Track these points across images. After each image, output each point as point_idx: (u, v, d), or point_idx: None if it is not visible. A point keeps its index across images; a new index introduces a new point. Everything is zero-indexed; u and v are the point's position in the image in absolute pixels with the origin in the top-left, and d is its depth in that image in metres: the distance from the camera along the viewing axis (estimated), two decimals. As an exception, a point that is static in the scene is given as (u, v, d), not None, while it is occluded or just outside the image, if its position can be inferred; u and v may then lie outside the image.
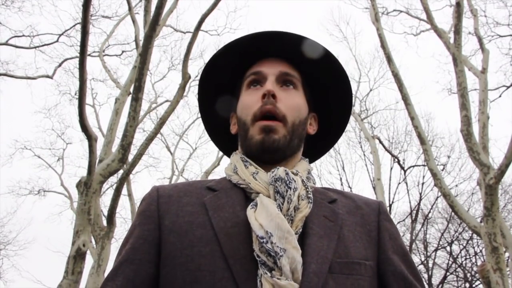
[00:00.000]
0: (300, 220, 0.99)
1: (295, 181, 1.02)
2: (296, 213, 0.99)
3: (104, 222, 7.39)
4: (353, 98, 1.32)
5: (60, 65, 13.53)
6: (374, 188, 14.99)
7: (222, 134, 1.30)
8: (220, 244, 0.96)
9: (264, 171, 1.08)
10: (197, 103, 1.31)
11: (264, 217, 0.96)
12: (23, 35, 13.54)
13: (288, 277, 0.90)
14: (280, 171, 1.03)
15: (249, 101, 1.14)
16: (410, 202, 18.37)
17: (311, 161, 1.25)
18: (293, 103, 1.13)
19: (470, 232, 15.37)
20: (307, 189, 1.03)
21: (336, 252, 0.98)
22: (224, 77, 1.25)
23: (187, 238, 0.99)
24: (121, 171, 7.67)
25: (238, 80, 1.23)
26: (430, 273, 19.03)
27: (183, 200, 1.07)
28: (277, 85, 1.14)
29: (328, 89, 1.25)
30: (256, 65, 1.19)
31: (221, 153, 15.73)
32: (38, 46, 13.68)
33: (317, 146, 1.30)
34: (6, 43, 13.18)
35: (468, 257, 18.99)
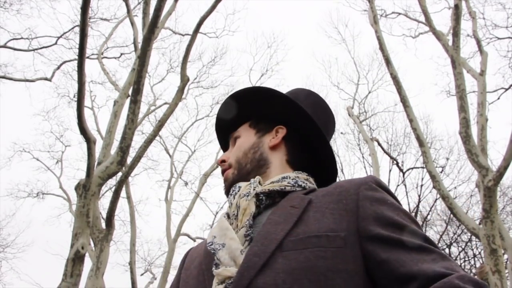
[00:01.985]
0: (243, 215, 1.09)
1: (239, 187, 1.18)
2: (238, 210, 1.11)
3: (103, 225, 7.38)
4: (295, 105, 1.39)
5: (58, 67, 13.53)
6: (373, 190, 14.98)
7: None
8: (202, 263, 1.10)
9: None
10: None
11: (215, 227, 1.13)
12: (22, 38, 13.55)
13: (227, 265, 1.00)
14: (232, 187, 1.22)
15: None
16: (409, 204, 18.38)
17: (330, 173, 1.32)
18: (235, 150, 1.33)
19: (469, 234, 15.38)
20: (250, 188, 1.15)
21: (292, 232, 1.00)
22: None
23: (189, 269, 1.17)
24: (120, 174, 7.68)
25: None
26: (429, 275, 18.97)
27: (200, 245, 1.25)
28: (231, 145, 1.37)
29: (281, 109, 1.32)
30: None
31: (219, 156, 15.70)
32: (36, 49, 13.69)
33: (317, 154, 1.32)
34: (4, 46, 13.17)
35: (467, 259, 18.99)
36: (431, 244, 0.97)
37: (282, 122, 1.32)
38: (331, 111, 1.42)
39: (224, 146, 1.47)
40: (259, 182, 1.18)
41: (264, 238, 1.00)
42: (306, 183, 1.20)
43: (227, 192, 1.25)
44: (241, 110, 1.38)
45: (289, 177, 1.19)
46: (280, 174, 1.22)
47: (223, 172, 1.32)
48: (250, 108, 1.37)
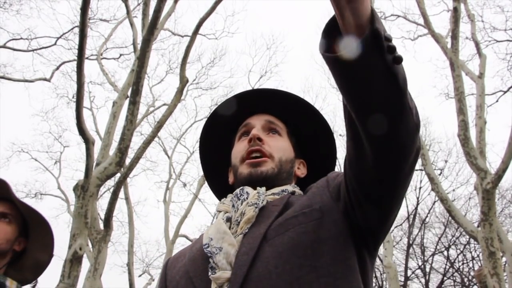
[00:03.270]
0: (245, 222, 1.09)
1: (248, 193, 1.16)
2: (242, 217, 1.11)
3: (101, 226, 7.38)
4: (335, 146, 1.41)
5: (57, 68, 13.52)
6: (371, 192, 14.99)
7: (224, 189, 1.41)
8: (189, 271, 1.10)
9: None
10: (200, 162, 1.47)
11: (211, 227, 1.12)
12: (21, 38, 13.52)
13: (225, 269, 1.01)
14: (238, 189, 1.18)
15: (239, 148, 1.30)
16: (407, 207, 18.40)
17: None
18: (278, 144, 1.28)
19: (467, 236, 15.39)
20: (259, 198, 1.14)
21: (274, 222, 1.06)
22: (222, 136, 1.40)
23: (175, 280, 1.14)
24: (118, 175, 7.67)
25: (233, 137, 1.38)
26: (427, 277, 19.03)
27: (181, 254, 1.23)
28: (263, 132, 1.30)
29: (312, 139, 1.39)
30: (247, 120, 1.36)
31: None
32: (36, 49, 13.67)
33: None
34: (4, 46, 13.15)
35: (465, 261, 18.99)
36: None
37: (305, 156, 1.38)
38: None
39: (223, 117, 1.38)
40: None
41: (250, 237, 1.05)
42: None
43: (250, 181, 1.20)
44: (294, 110, 1.35)
45: (287, 190, 1.23)
46: (282, 186, 1.24)
47: (255, 151, 1.23)
48: (300, 119, 1.36)
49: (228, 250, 1.03)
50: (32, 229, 1.84)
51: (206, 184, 15.51)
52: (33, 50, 13.67)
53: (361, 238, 1.05)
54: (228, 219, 1.13)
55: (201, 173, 16.14)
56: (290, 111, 1.36)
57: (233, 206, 1.15)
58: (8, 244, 1.73)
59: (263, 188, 1.18)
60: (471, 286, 18.41)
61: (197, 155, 17.09)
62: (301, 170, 1.34)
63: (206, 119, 1.41)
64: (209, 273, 1.02)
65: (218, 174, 1.43)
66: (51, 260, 1.88)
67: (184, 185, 17.20)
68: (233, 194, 1.19)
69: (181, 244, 16.05)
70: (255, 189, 1.18)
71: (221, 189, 1.44)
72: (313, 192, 1.13)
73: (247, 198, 1.14)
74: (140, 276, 17.26)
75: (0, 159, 18.35)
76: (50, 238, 1.85)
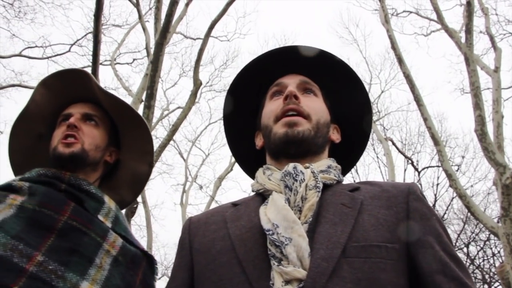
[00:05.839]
0: (308, 209, 1.02)
1: (303, 173, 1.06)
2: (304, 203, 1.02)
3: (119, 230, 7.42)
4: (371, 107, 1.32)
5: (72, 74, 13.63)
6: (388, 190, 14.88)
7: (250, 158, 1.34)
8: (236, 251, 1.01)
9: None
10: (223, 128, 1.38)
11: (272, 211, 1.01)
12: (36, 46, 13.71)
13: (295, 265, 0.92)
14: (289, 166, 1.08)
15: (272, 107, 1.20)
16: (425, 204, 18.15)
17: (343, 173, 1.27)
18: (315, 105, 1.20)
19: (487, 232, 15.21)
20: (316, 179, 1.06)
21: (353, 236, 0.97)
22: (248, 98, 1.32)
23: (210, 254, 1.05)
24: (135, 179, 7.71)
25: (262, 99, 1.29)
26: (447, 275, 18.79)
27: (210, 221, 1.14)
28: (299, 92, 1.20)
29: (346, 101, 1.30)
30: (278, 79, 1.26)
31: (234, 159, 15.55)
32: (50, 57, 13.84)
33: (345, 158, 1.32)
34: (19, 54, 13.34)
35: (486, 258, 18.74)
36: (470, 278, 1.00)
37: (338, 121, 1.30)
38: None
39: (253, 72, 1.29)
40: None
41: (327, 240, 0.97)
42: (341, 176, 1.19)
43: (286, 142, 1.12)
44: (329, 72, 1.26)
45: (332, 167, 1.16)
46: (321, 160, 1.17)
47: (291, 110, 1.15)
48: (336, 82, 1.27)
49: (299, 243, 0.94)
50: (125, 135, 1.48)
51: (222, 186, 15.54)
52: (48, 58, 13.84)
53: None
54: (287, 201, 1.03)
55: (217, 175, 16.20)
56: (325, 73, 1.27)
57: (286, 186, 1.05)
58: (98, 151, 1.38)
59: (315, 165, 1.11)
60: (492, 283, 18.18)
61: (212, 157, 17.10)
62: (335, 135, 1.26)
63: (232, 80, 1.33)
64: (274, 263, 0.94)
65: (242, 139, 1.35)
66: (152, 171, 1.50)
67: (201, 187, 17.26)
68: (284, 172, 1.08)
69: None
70: (292, 156, 1.12)
71: (245, 154, 1.37)
72: (392, 218, 1.02)
73: (303, 179, 1.05)
74: (159, 279, 17.36)
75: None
76: (149, 143, 1.48)
